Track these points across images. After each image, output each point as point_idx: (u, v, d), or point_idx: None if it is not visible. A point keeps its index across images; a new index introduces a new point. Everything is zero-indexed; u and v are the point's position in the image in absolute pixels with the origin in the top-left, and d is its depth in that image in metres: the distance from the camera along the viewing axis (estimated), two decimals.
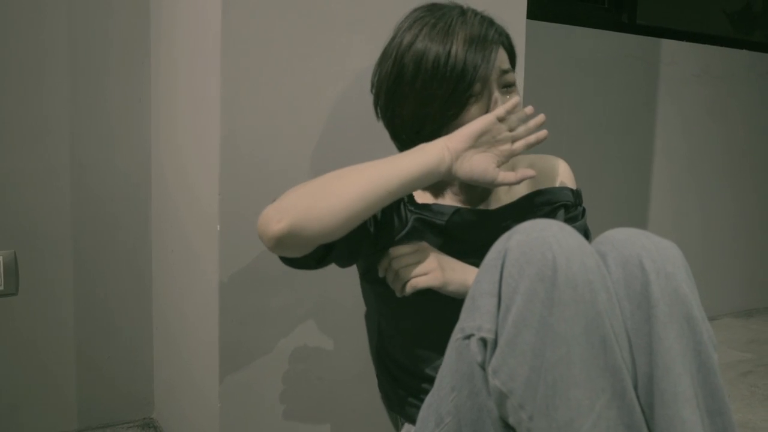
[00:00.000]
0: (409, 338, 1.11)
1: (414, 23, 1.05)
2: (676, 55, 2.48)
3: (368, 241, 1.05)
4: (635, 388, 0.87)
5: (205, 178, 1.22)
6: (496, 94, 1.03)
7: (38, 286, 1.49)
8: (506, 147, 1.00)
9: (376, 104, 1.11)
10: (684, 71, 2.52)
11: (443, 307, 1.05)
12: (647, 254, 0.89)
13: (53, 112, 1.47)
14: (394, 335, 1.14)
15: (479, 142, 0.98)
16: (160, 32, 1.47)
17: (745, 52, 2.69)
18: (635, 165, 2.47)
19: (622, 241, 0.91)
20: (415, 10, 1.07)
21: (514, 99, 1.01)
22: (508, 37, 1.09)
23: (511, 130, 1.00)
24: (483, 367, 0.88)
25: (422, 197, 1.13)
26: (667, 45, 2.45)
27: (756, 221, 2.86)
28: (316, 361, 1.28)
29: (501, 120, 0.99)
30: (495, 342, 0.86)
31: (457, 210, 1.09)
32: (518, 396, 0.84)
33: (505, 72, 1.05)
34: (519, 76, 1.45)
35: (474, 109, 1.02)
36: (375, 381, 1.30)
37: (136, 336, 1.60)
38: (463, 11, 1.05)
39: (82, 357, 1.55)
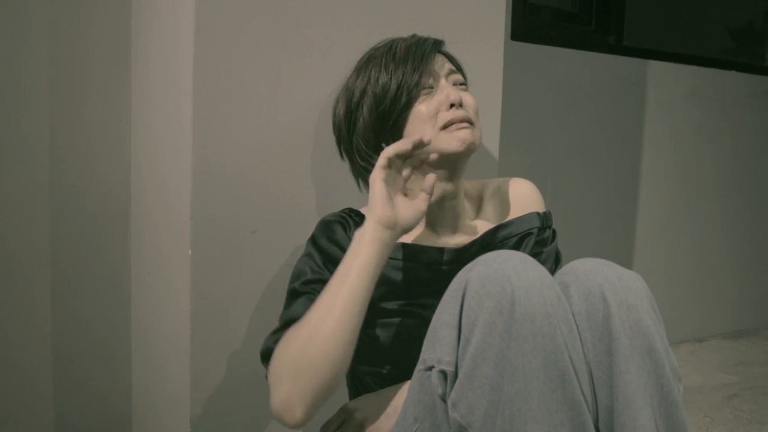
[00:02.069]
0: (382, 366, 1.11)
1: (357, 67, 1.14)
2: (663, 77, 2.48)
3: None
4: (596, 421, 0.87)
5: (178, 202, 1.23)
6: (443, 82, 1.09)
7: (16, 306, 1.49)
8: (403, 178, 1.03)
9: (338, 142, 1.17)
10: (672, 92, 2.53)
11: (419, 334, 1.06)
12: (609, 286, 0.89)
13: (33, 131, 1.47)
14: (367, 360, 1.13)
15: (390, 194, 1.00)
16: (139, 54, 1.48)
17: (733, 73, 2.70)
18: (624, 187, 2.47)
19: (585, 272, 0.92)
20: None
21: (385, 152, 1.01)
22: (448, 53, 1.16)
23: (399, 166, 1.04)
24: (444, 399, 0.88)
25: None
26: (655, 66, 2.46)
27: (746, 242, 2.86)
28: None
29: (389, 166, 1.01)
30: (455, 374, 0.86)
31: (422, 249, 1.10)
32: (477, 429, 0.84)
33: (453, 71, 1.12)
34: (495, 94, 1.46)
35: (427, 102, 1.07)
36: None
37: (115, 357, 1.60)
38: (403, 37, 1.13)
39: (60, 377, 1.55)
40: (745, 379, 2.25)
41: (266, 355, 1.00)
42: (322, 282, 1.01)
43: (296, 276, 1.08)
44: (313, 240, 1.11)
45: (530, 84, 2.19)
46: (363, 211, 1.14)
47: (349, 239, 1.08)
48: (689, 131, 2.61)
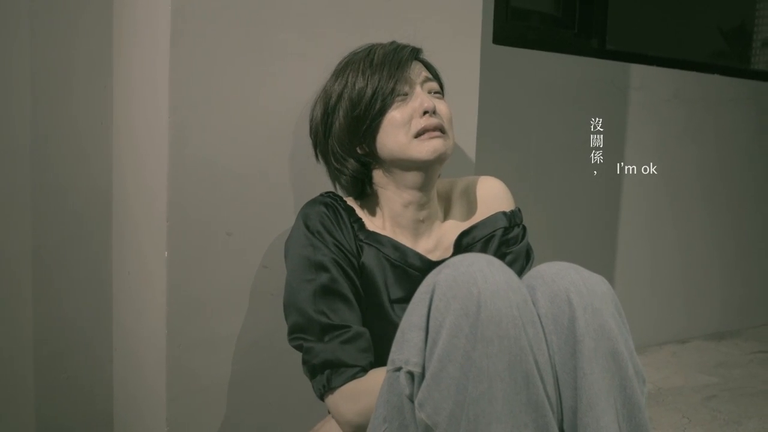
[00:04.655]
0: None
1: (336, 70, 1.15)
2: (646, 80, 2.50)
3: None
4: (560, 422, 0.89)
5: (156, 204, 1.24)
6: (418, 90, 1.10)
7: None
8: None
9: (315, 145, 1.19)
10: (654, 96, 2.54)
11: (388, 337, 1.07)
12: (575, 289, 0.91)
13: (15, 132, 1.48)
14: None
15: None
16: (121, 57, 1.49)
17: (716, 76, 2.72)
18: (607, 190, 2.49)
19: (552, 275, 0.93)
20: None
21: None
22: (425, 60, 1.17)
23: None
24: (411, 399, 0.89)
25: (373, 225, 1.15)
26: (637, 70, 2.48)
27: (730, 244, 2.88)
28: (265, 387, 1.29)
29: None
30: (422, 375, 0.88)
31: (400, 250, 1.12)
32: (443, 429, 0.85)
33: (429, 79, 1.13)
34: (472, 98, 1.47)
35: (401, 108, 1.09)
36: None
37: (96, 356, 1.60)
38: (382, 43, 1.14)
39: (42, 376, 1.55)
40: (725, 380, 2.28)
41: (323, 368, 1.07)
42: (347, 276, 1.07)
43: (314, 265, 1.07)
44: (308, 228, 1.09)
45: (513, 88, 2.20)
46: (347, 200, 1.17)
47: (340, 224, 1.10)
48: (673, 134, 2.63)
